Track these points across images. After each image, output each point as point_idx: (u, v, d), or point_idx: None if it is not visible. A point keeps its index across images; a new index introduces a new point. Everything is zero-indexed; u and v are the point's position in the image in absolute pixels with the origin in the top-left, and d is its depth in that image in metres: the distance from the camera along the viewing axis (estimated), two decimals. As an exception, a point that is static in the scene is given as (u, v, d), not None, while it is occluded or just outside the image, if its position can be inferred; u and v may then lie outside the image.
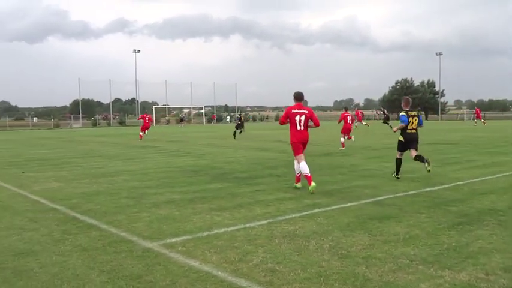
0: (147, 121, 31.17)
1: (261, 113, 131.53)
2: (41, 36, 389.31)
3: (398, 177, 10.84)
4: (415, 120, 10.82)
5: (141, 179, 11.52)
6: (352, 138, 22.01)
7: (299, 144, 9.65)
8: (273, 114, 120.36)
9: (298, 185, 9.82)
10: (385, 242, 5.77)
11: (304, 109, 9.59)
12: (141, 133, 30.60)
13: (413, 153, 10.83)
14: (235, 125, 31.69)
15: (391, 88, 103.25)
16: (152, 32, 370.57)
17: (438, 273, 4.72)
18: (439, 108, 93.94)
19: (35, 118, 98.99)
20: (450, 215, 7.14)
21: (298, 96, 9.65)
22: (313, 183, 9.08)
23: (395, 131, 11.27)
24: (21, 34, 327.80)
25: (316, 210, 7.56)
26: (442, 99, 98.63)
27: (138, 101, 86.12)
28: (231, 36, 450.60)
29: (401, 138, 10.91)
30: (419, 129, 11.07)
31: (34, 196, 9.36)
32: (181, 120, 69.52)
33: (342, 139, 20.45)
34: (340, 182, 10.67)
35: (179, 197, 8.91)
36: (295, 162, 9.77)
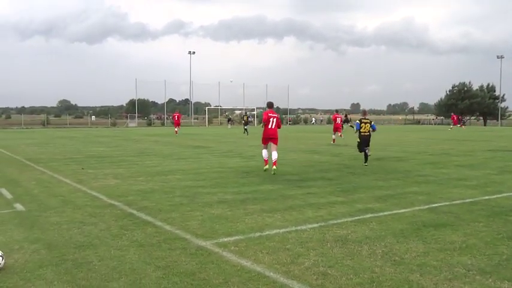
0: (176, 119, 39.94)
1: (312, 115, 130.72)
2: (101, 37, 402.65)
3: (366, 165, 14.71)
4: (367, 126, 15.20)
5: (194, 179, 11.75)
6: (342, 136, 26.69)
7: (268, 138, 13.25)
8: (325, 117, 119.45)
9: (266, 167, 12.98)
10: (440, 250, 5.64)
11: (275, 114, 13.50)
12: (176, 129, 39.39)
13: (366, 150, 15.11)
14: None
15: (447, 92, 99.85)
16: (207, 33, 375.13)
17: (497, 284, 4.56)
18: (499, 113, 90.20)
19: (93, 117, 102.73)
20: (510, 225, 6.88)
21: (271, 105, 13.93)
22: (274, 167, 12.61)
23: (355, 133, 15.63)
24: (82, 35, 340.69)
25: (368, 215, 7.48)
26: (502, 104, 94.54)
27: (191, 102, 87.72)
28: (284, 38, 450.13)
29: (358, 139, 15.32)
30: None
31: (93, 192, 9.75)
32: (229, 120, 70.09)
33: (333, 136, 26.17)
34: (393, 187, 10.49)
35: (231, 198, 9.04)
36: (263, 150, 13.37)
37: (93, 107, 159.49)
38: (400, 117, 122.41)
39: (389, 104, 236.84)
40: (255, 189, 10.14)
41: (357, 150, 15.60)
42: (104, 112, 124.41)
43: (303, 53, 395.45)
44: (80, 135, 39.09)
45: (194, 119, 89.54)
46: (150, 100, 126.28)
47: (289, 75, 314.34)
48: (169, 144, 25.79)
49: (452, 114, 62.03)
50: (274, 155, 12.91)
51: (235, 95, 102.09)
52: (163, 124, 75.90)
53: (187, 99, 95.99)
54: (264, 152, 13.33)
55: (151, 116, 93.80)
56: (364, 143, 15.22)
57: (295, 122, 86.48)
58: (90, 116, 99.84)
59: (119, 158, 17.49)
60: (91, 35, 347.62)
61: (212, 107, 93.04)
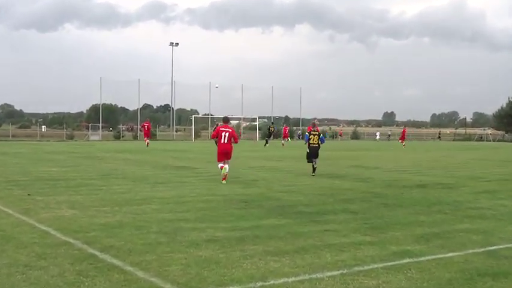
0: (146, 129, 45.80)
1: (333, 127, 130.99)
2: (55, 23, 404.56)
3: (313, 175, 19.94)
4: (316, 137, 20.73)
5: (176, 210, 11.74)
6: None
7: (222, 154, 17.45)
8: (349, 129, 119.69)
9: (224, 182, 16.97)
10: (501, 307, 5.62)
11: (229, 128, 17.72)
12: (146, 140, 45.09)
13: (313, 163, 20.51)
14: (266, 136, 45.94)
15: (510, 99, 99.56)
16: (195, 19, 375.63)
17: None
18: None
19: (43, 127, 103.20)
20: None
21: (226, 120, 18.80)
22: (224, 181, 16.99)
23: (305, 144, 21.05)
24: (30, 20, 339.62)
25: (406, 261, 7.46)
26: None
27: (173, 108, 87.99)
28: (296, 26, 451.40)
29: (307, 150, 20.83)
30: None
31: (43, 226, 9.73)
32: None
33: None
34: (439, 223, 10.47)
35: (224, 235, 9.02)
36: (219, 166, 17.52)
37: (43, 114, 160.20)
38: (448, 130, 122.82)
39: (434, 114, 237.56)
40: (256, 224, 10.13)
41: (306, 160, 21.17)
42: (57, 121, 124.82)
43: (321, 45, 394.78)
44: (26, 150, 39.13)
45: (176, 130, 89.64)
46: (119, 106, 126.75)
47: (302, 74, 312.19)
48: (143, 164, 25.83)
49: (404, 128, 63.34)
50: (226, 168, 17.25)
51: (232, 99, 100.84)
52: (135, 137, 75.92)
53: (168, 104, 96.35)
54: (220, 165, 17.49)
55: (120, 126, 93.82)
56: (313, 154, 20.66)
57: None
58: (40, 125, 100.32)
59: (77, 181, 17.51)
60: (42, 19, 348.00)
61: (200, 116, 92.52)
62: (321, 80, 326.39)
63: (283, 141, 53.76)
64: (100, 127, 79.68)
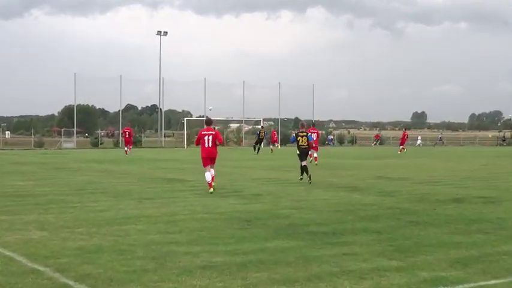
0: (127, 136, 48.20)
1: (352, 131, 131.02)
2: (21, 9, 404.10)
3: (301, 179, 22.82)
4: (304, 138, 23.00)
5: (166, 230, 11.74)
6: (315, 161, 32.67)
7: (207, 158, 19.20)
8: (370, 133, 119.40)
9: (211, 190, 18.49)
10: None
11: (211, 131, 19.45)
12: (125, 148, 47.39)
13: (304, 163, 22.98)
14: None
15: None
16: (187, 3, 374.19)
17: None
18: None
19: (7, 132, 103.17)
20: None
21: (208, 122, 20.40)
22: (211, 189, 18.50)
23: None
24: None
25: (439, 289, 7.46)
26: None
27: (161, 109, 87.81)
28: (308, 10, 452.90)
29: (297, 152, 23.39)
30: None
31: (7, 251, 9.72)
32: None
33: (314, 154, 32.88)
34: (480, 245, 10.45)
35: (223, 260, 9.02)
36: (206, 173, 18.97)
37: (8, 117, 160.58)
38: (490, 134, 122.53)
39: (473, 114, 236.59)
40: (261, 246, 10.12)
41: (299, 162, 23.51)
42: (24, 125, 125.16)
43: (338, 33, 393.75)
44: (-13, 161, 39.12)
45: (166, 136, 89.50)
46: (97, 107, 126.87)
47: (315, 68, 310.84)
48: (126, 176, 25.84)
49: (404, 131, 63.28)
50: (212, 172, 19.03)
51: (231, 99, 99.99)
52: (117, 144, 75.77)
53: (155, 105, 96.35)
54: (207, 175, 18.89)
55: (99, 131, 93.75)
56: (303, 155, 23.29)
57: (323, 141, 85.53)
58: (3, 131, 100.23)
59: (48, 197, 17.53)
60: (7, 4, 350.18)
61: (194, 118, 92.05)
62: (337, 75, 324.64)
63: (272, 147, 59.50)
64: (74, 132, 79.62)
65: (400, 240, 10.76)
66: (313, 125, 38.76)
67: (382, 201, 16.91)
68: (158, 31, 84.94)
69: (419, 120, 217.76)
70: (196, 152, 23.08)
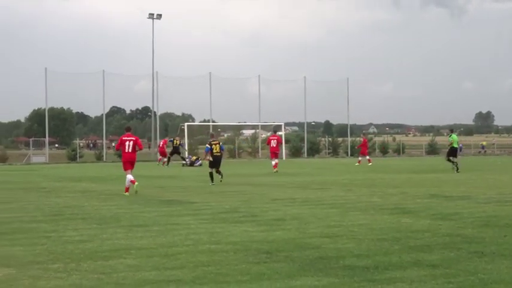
0: (161, 147, 60.76)
1: (398, 137, 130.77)
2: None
3: (213, 184, 31.76)
4: (217, 146, 32.89)
5: (163, 265, 11.76)
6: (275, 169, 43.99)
7: (127, 163, 27.26)
8: (422, 140, 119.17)
9: (127, 194, 26.13)
10: None
11: (132, 137, 27.60)
12: (165, 159, 59.07)
13: (213, 170, 32.42)
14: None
15: None
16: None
17: None
18: None
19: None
20: None
21: (128, 129, 28.79)
22: (136, 183, 26.04)
23: (206, 160, 34.14)
24: None
25: None
26: None
27: (155, 113, 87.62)
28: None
29: (210, 159, 32.61)
30: None
31: (-38, 293, 9.81)
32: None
33: (272, 162, 45.69)
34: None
35: (236, 304, 9.05)
36: (127, 176, 26.46)
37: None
38: None
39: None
40: (284, 285, 10.13)
41: (210, 169, 32.63)
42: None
43: (379, 13, 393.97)
44: None
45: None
46: (75, 110, 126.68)
47: (351, 59, 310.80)
48: (112, 198, 25.93)
49: (363, 137, 65.92)
50: (130, 178, 26.44)
51: (244, 98, 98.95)
52: (99, 158, 75.95)
53: (148, 107, 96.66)
54: (128, 177, 26.56)
55: (77, 141, 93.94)
56: (216, 163, 32.48)
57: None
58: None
59: (14, 225, 17.61)
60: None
61: (196, 123, 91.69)
62: (379, 67, 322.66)
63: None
64: (46, 143, 79.90)
65: (461, 276, 10.72)
66: (274, 132, 52.80)
67: (438, 226, 16.82)
68: (150, 14, 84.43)
69: (484, 122, 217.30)
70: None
